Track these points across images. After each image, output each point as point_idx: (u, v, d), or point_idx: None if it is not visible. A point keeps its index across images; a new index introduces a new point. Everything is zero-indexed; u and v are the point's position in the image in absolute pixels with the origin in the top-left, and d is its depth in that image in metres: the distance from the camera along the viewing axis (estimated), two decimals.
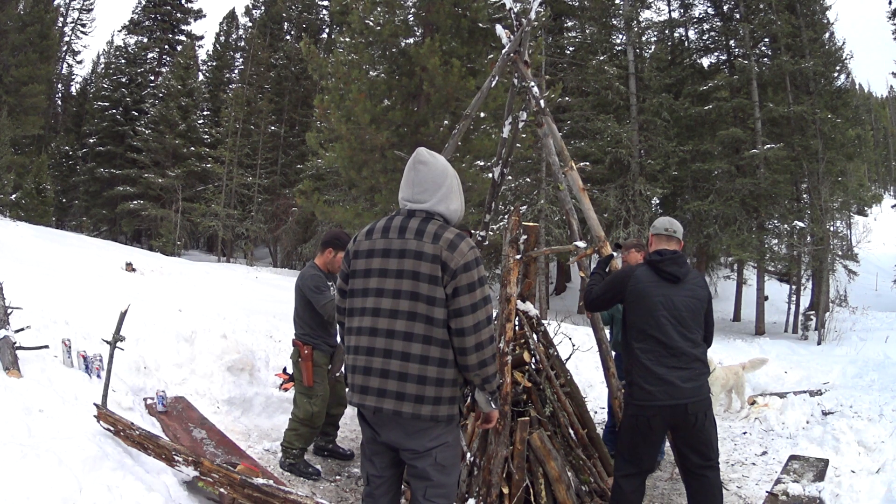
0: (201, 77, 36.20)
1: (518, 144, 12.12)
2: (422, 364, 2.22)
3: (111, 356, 3.53)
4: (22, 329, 3.88)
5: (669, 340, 3.02)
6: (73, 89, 40.66)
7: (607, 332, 4.67)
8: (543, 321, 4.20)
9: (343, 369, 2.64)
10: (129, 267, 12.19)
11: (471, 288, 2.22)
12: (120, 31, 37.97)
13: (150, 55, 36.07)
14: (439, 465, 2.31)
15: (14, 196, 23.76)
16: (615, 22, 21.81)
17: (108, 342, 3.58)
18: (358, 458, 4.42)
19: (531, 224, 4.02)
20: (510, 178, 16.74)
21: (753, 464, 4.83)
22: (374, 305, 2.27)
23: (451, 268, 2.19)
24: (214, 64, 38.23)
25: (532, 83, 4.23)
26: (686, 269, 3.18)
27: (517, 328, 3.80)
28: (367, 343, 2.27)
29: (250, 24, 37.23)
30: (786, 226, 18.32)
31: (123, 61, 34.70)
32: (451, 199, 2.36)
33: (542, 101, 4.23)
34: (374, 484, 2.42)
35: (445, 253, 2.20)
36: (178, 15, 36.97)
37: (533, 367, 3.80)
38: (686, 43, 22.05)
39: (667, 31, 22.17)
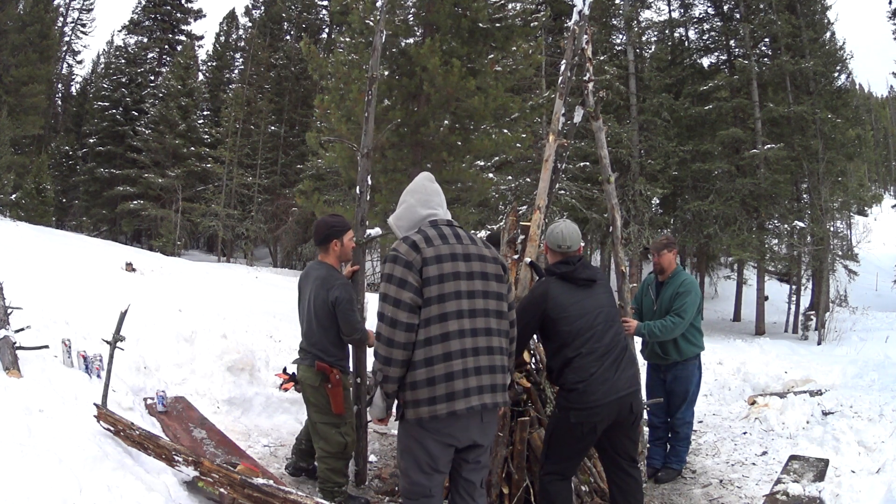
0: (201, 77, 36.16)
1: (518, 144, 12.17)
2: (502, 355, 2.47)
3: (111, 356, 3.53)
4: (22, 329, 3.87)
5: (603, 339, 2.99)
6: (73, 89, 40.67)
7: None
8: None
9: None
10: (129, 267, 12.17)
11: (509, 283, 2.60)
12: (120, 31, 37.95)
13: (150, 55, 36.05)
14: (489, 451, 2.60)
15: (14, 196, 23.74)
16: (615, 22, 21.81)
17: (108, 342, 3.57)
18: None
19: (529, 224, 4.01)
20: (510, 177, 16.73)
21: (753, 464, 4.82)
22: (457, 308, 2.37)
23: (506, 266, 2.56)
24: (214, 64, 38.20)
25: (591, 78, 4.28)
26: (595, 268, 3.16)
27: None
28: (459, 346, 2.35)
29: (250, 24, 37.21)
30: (786, 226, 18.31)
31: (123, 61, 34.67)
32: None
33: (591, 97, 4.25)
34: (435, 491, 2.46)
35: (500, 256, 2.56)
36: (178, 15, 36.95)
37: (533, 366, 3.80)
38: (686, 43, 22.04)
39: (667, 31, 22.17)
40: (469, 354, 2.35)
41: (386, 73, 11.39)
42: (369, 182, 4.11)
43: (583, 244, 3.26)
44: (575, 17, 4.20)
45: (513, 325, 2.57)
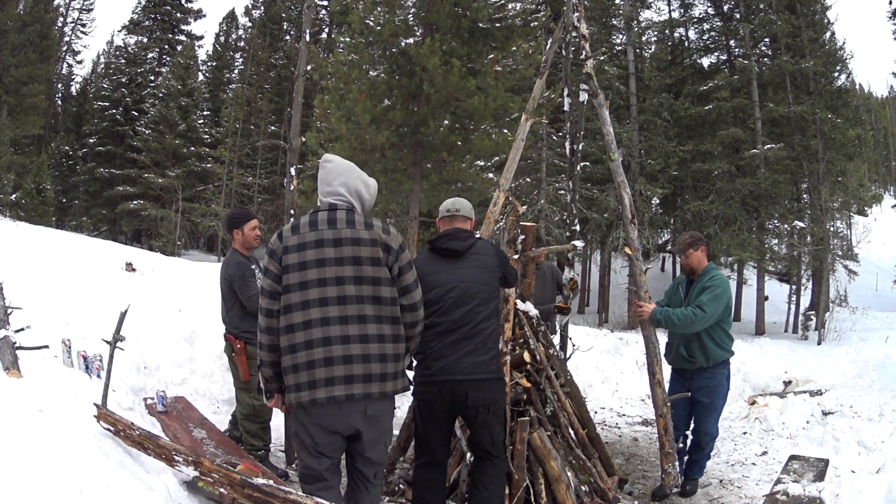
0: (201, 77, 36.17)
1: None
2: (380, 343, 2.38)
3: (111, 356, 3.52)
4: (22, 329, 3.87)
5: (449, 314, 2.90)
6: (73, 89, 40.69)
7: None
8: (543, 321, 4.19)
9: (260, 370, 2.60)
10: (129, 267, 12.17)
11: (410, 266, 2.50)
12: (120, 31, 38.01)
13: (150, 55, 36.05)
14: (385, 446, 2.56)
15: (14, 196, 23.76)
16: (615, 22, 21.82)
17: (108, 342, 3.57)
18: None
19: (528, 224, 4.01)
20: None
21: (753, 464, 4.82)
22: (321, 295, 2.35)
23: (394, 248, 2.44)
24: (214, 64, 38.19)
25: (589, 55, 4.24)
26: (468, 242, 3.03)
27: (517, 328, 3.80)
28: (321, 334, 2.33)
29: (250, 24, 37.22)
30: (786, 226, 18.31)
31: (123, 61, 34.66)
32: (361, 191, 2.55)
33: (590, 71, 4.21)
34: (328, 474, 2.47)
35: (384, 236, 2.43)
36: (178, 15, 36.97)
37: (533, 367, 3.80)
38: (686, 43, 22.06)
39: (667, 31, 22.18)
40: (336, 343, 2.32)
41: (384, 74, 11.38)
42: (293, 172, 4.18)
43: (472, 219, 3.17)
44: None
45: (412, 308, 2.51)
